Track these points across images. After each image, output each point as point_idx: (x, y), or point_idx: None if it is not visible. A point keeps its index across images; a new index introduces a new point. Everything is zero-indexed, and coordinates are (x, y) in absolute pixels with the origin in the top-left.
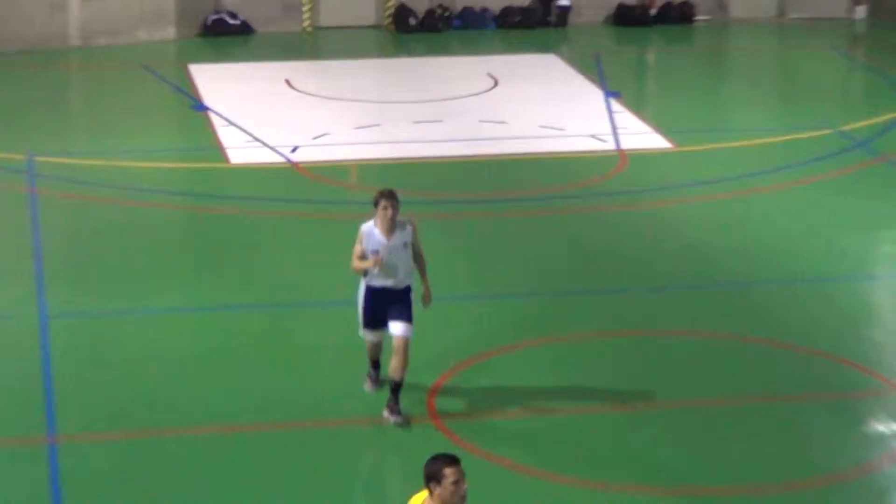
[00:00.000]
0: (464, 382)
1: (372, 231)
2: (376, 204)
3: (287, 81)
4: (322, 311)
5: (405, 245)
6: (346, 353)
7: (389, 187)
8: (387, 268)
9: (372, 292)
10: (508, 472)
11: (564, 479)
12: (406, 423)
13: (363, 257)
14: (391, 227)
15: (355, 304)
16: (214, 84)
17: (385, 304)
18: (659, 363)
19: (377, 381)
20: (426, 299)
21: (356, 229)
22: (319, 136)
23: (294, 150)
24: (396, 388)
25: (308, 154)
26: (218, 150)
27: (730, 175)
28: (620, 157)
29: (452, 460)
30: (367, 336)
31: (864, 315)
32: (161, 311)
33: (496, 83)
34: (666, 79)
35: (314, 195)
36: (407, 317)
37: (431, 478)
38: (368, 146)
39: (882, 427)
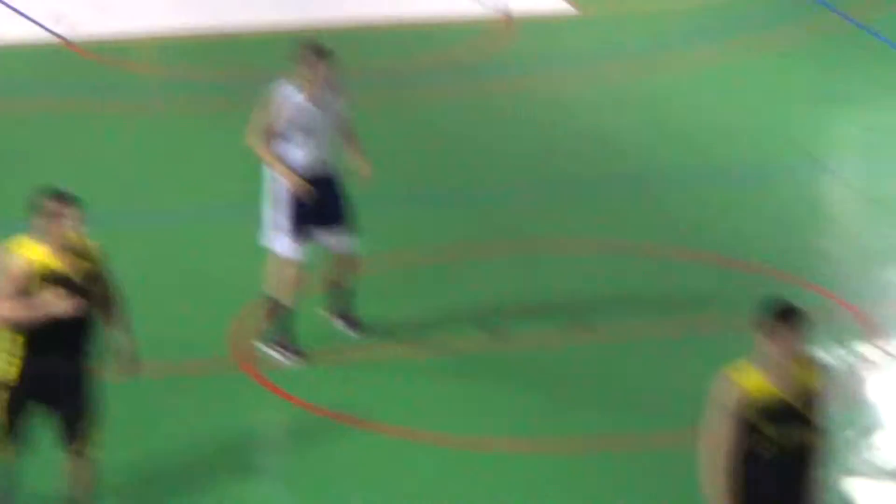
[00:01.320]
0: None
1: (293, 94)
2: (307, 63)
3: None
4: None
5: (337, 113)
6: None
7: (315, 41)
8: (317, 143)
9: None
10: (344, 427)
11: (405, 433)
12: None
13: (275, 133)
14: (322, 91)
15: (274, 200)
16: None
17: (316, 202)
18: (544, 282)
19: (301, 350)
20: (366, 172)
21: (150, 127)
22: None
23: (60, 19)
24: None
25: (81, 26)
26: None
27: (648, 44)
28: (503, 24)
29: None
30: (296, 254)
31: (806, 216)
32: None
33: None
34: None
35: (93, 80)
36: (350, 221)
37: None
38: (161, 15)
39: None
